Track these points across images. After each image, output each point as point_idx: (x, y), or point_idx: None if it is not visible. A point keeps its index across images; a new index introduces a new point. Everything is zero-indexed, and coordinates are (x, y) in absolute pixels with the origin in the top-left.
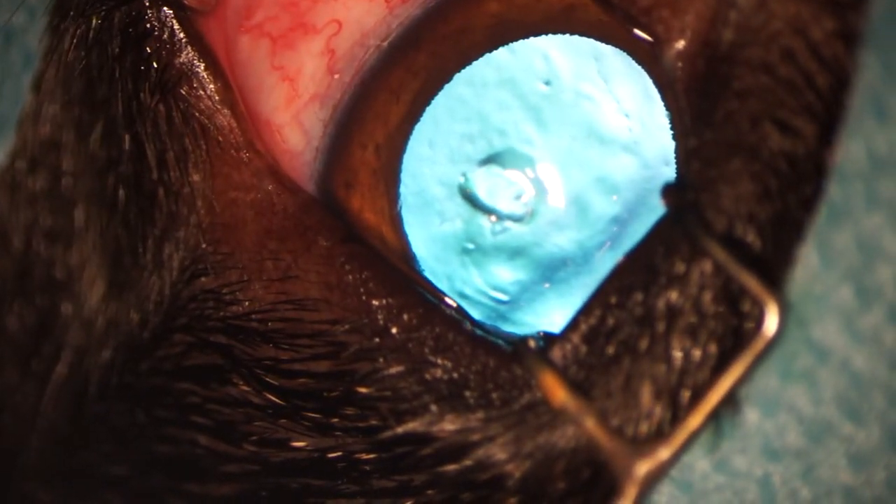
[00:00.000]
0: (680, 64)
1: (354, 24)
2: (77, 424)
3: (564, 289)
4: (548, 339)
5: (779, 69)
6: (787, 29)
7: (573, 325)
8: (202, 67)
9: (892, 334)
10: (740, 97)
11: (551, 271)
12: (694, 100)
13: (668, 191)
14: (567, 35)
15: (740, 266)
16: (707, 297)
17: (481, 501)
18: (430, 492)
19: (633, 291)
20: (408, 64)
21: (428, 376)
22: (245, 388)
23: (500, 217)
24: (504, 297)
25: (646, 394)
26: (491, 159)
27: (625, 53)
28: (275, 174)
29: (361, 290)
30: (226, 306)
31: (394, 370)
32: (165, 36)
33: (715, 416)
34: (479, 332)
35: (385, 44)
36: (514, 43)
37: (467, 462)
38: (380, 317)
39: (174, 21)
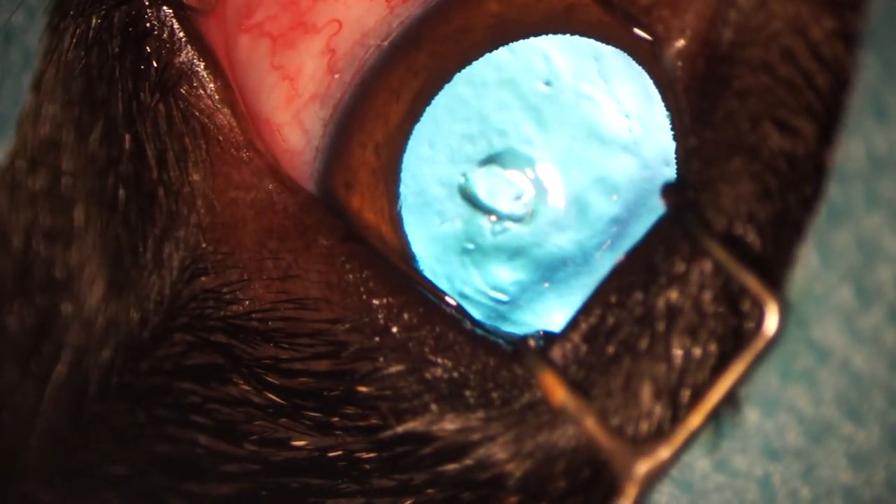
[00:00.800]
0: (680, 63)
1: (355, 23)
2: (77, 424)
3: (564, 289)
4: (548, 338)
5: (779, 69)
6: (787, 29)
7: (573, 324)
8: (202, 67)
9: (892, 334)
10: (740, 97)
11: (551, 271)
12: (694, 99)
13: (668, 190)
14: (567, 35)
15: (740, 265)
16: (707, 296)
17: (482, 501)
18: (430, 491)
19: (633, 291)
20: (408, 63)
21: (428, 375)
22: (245, 387)
23: (500, 217)
24: (504, 298)
25: (646, 393)
26: (491, 159)
27: (625, 54)
28: (275, 173)
29: (362, 289)
30: (226, 305)
31: (394, 369)
32: (165, 35)
33: (715, 416)
34: (479, 331)
35: (385, 43)
36: (515, 43)
37: (467, 461)
38: (380, 316)
39: (174, 20)
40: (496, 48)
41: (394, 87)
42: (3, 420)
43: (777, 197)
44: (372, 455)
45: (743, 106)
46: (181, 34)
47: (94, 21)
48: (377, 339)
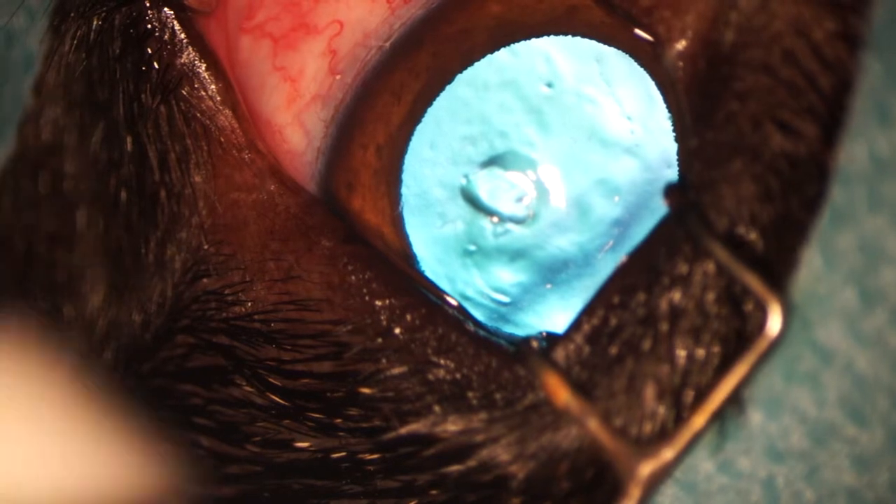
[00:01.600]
0: (681, 64)
1: (356, 24)
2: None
3: (566, 290)
4: (551, 339)
5: (780, 70)
6: (789, 30)
7: (576, 325)
8: (203, 68)
9: None
10: (741, 98)
11: (553, 273)
12: (695, 100)
13: (670, 191)
14: (569, 36)
15: (743, 266)
16: (710, 297)
17: (485, 502)
18: (433, 492)
19: (636, 291)
20: (409, 65)
21: (431, 377)
22: (248, 388)
23: (502, 219)
24: (505, 299)
25: (649, 394)
26: (492, 161)
27: (627, 56)
28: (277, 175)
29: (364, 290)
30: (228, 307)
31: (396, 371)
32: (166, 37)
33: (719, 418)
34: (481, 332)
35: (387, 44)
36: (516, 45)
37: (471, 463)
38: (382, 317)
39: (175, 22)
40: (497, 49)
41: (395, 88)
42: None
43: (779, 199)
44: (375, 456)
45: (744, 107)
46: (182, 35)
47: (94, 23)
48: (379, 340)
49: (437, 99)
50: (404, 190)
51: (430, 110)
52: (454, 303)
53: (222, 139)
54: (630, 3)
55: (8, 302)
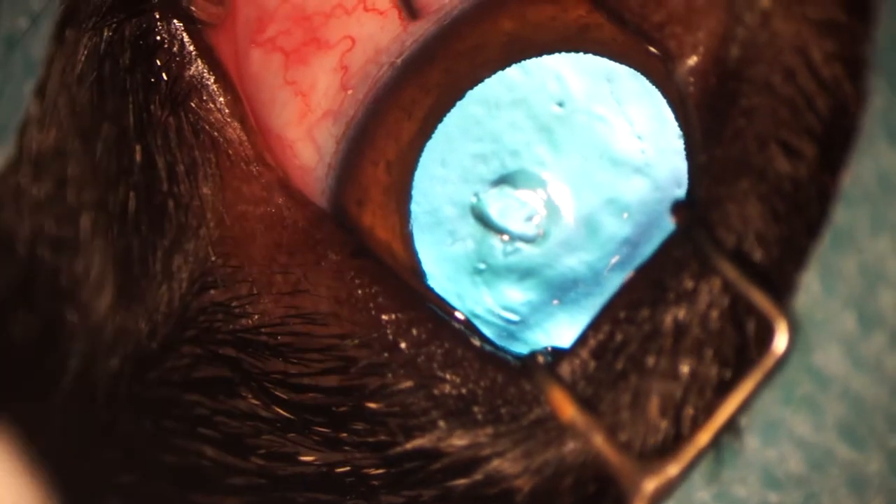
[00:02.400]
0: (692, 80)
1: (368, 40)
2: (83, 432)
3: (575, 309)
4: (556, 353)
5: (782, 89)
6: (789, 48)
7: (582, 339)
8: (212, 80)
9: (894, 361)
10: (747, 115)
11: (562, 291)
12: (705, 116)
13: (678, 207)
14: (581, 54)
15: (749, 283)
16: (715, 314)
17: None
18: None
19: (642, 307)
20: (421, 81)
21: (437, 392)
22: (253, 401)
23: (512, 237)
24: (514, 318)
25: (654, 410)
26: (503, 180)
27: (639, 74)
28: (285, 188)
29: (371, 304)
30: (235, 319)
31: (403, 385)
32: (175, 49)
33: (716, 444)
34: (487, 347)
35: (399, 61)
36: (528, 62)
37: (476, 477)
38: (389, 332)
39: (184, 34)
40: (509, 66)
41: (406, 104)
42: (10, 426)
43: (784, 219)
44: (380, 471)
45: (750, 125)
46: (191, 48)
47: (105, 34)
48: (386, 354)
49: (449, 116)
50: (415, 207)
51: (441, 128)
52: (461, 317)
53: (230, 151)
54: (641, 19)
55: (11, 308)
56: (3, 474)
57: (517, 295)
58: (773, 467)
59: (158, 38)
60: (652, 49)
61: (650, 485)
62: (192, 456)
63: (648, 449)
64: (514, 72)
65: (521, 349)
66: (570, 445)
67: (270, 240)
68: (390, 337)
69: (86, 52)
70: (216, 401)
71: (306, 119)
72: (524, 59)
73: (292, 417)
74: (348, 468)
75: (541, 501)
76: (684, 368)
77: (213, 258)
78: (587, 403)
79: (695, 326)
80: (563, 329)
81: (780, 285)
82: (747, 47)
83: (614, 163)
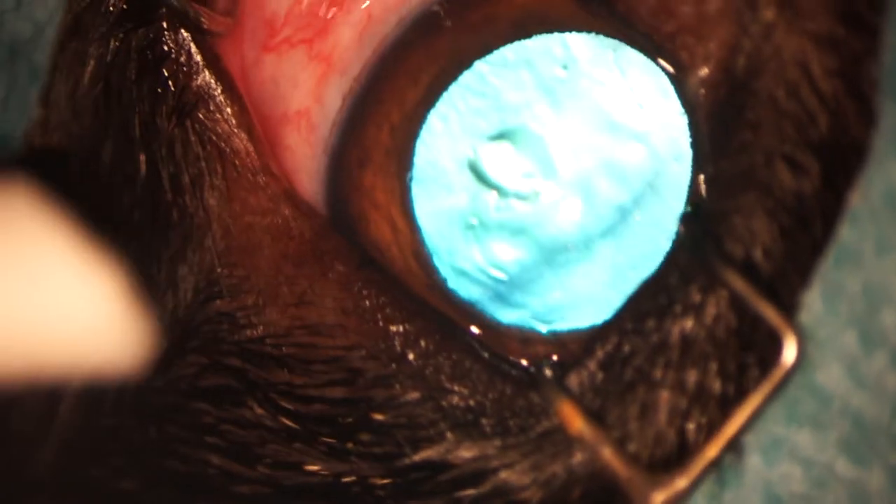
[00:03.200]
0: (703, 91)
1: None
2: (89, 438)
3: (563, 273)
4: (564, 365)
5: (785, 103)
6: (792, 62)
7: (590, 351)
8: (219, 91)
9: (895, 380)
10: (754, 129)
11: (552, 253)
12: (713, 127)
13: (685, 219)
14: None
15: (758, 295)
16: (722, 327)
17: None
18: None
19: (649, 318)
20: (428, 49)
21: (444, 403)
22: (259, 411)
23: (506, 194)
24: (503, 277)
25: (662, 422)
26: (502, 136)
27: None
28: (291, 199)
29: (378, 315)
30: (240, 330)
31: (410, 397)
32: (183, 59)
33: (723, 458)
34: (495, 359)
35: (408, 17)
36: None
37: (484, 489)
38: (397, 343)
39: (191, 44)
40: (519, 40)
41: (412, 70)
42: (14, 433)
43: (790, 235)
44: (387, 481)
45: (756, 138)
46: (198, 58)
47: (112, 44)
48: (393, 365)
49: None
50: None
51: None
52: (473, 329)
53: (237, 162)
54: (653, 30)
55: None
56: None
57: (507, 253)
58: (776, 486)
59: (166, 48)
60: (663, 63)
61: (659, 497)
62: (198, 464)
63: (657, 461)
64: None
65: (508, 311)
66: (579, 457)
67: (277, 251)
68: (398, 348)
69: (92, 63)
70: (222, 409)
71: (321, 79)
72: (534, 34)
73: (298, 427)
74: (354, 478)
75: None
76: (693, 381)
77: (218, 269)
78: (595, 415)
79: (702, 339)
80: (549, 291)
81: (786, 299)
82: (753, 59)
83: (613, 128)
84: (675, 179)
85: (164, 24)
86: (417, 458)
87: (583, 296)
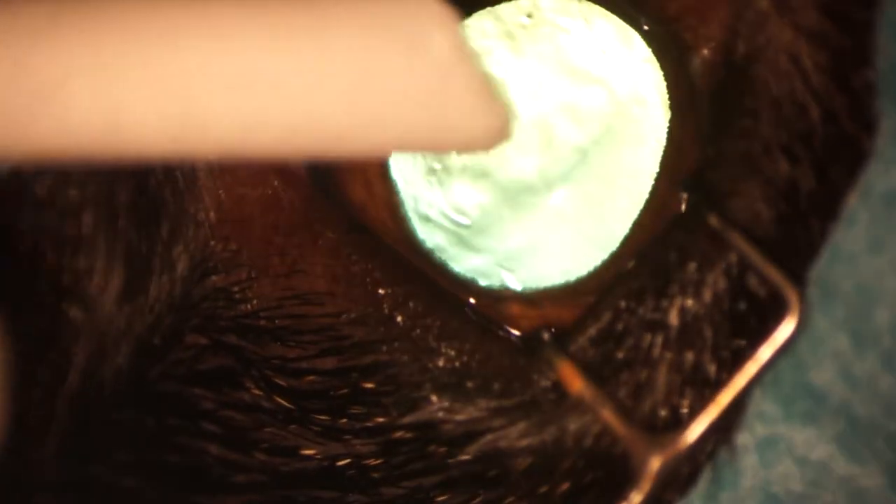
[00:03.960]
0: (705, 72)
1: None
2: (89, 434)
3: (525, 216)
4: (560, 337)
5: (778, 92)
6: (784, 53)
7: (581, 328)
8: None
9: (887, 379)
10: (753, 116)
11: (513, 196)
12: (715, 110)
13: (688, 187)
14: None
15: (761, 257)
16: (719, 304)
17: (490, 491)
18: (439, 499)
19: (643, 296)
20: None
21: (431, 365)
22: (256, 391)
23: None
24: (466, 221)
25: (657, 401)
26: None
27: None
28: (280, 170)
29: (367, 279)
30: (235, 305)
31: (399, 360)
32: None
33: (712, 463)
34: (484, 320)
35: None
36: None
37: (476, 456)
38: (385, 306)
39: None
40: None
41: None
42: (13, 432)
43: (787, 225)
44: (380, 461)
45: (756, 126)
46: None
47: None
48: (382, 329)
49: None
50: None
51: None
52: (458, 292)
53: None
54: (658, 10)
55: (14, 307)
56: None
57: (469, 197)
58: (771, 486)
59: None
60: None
61: (660, 457)
62: (196, 454)
63: (657, 423)
64: None
65: (471, 256)
66: (572, 425)
67: (267, 222)
68: (386, 311)
69: None
70: (220, 393)
71: None
72: None
73: (292, 407)
74: (349, 460)
75: (543, 477)
76: (688, 358)
77: (212, 243)
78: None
79: (698, 316)
80: (511, 235)
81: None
82: (750, 46)
83: (574, 71)
84: (636, 123)
85: None
86: (406, 421)
87: (547, 243)
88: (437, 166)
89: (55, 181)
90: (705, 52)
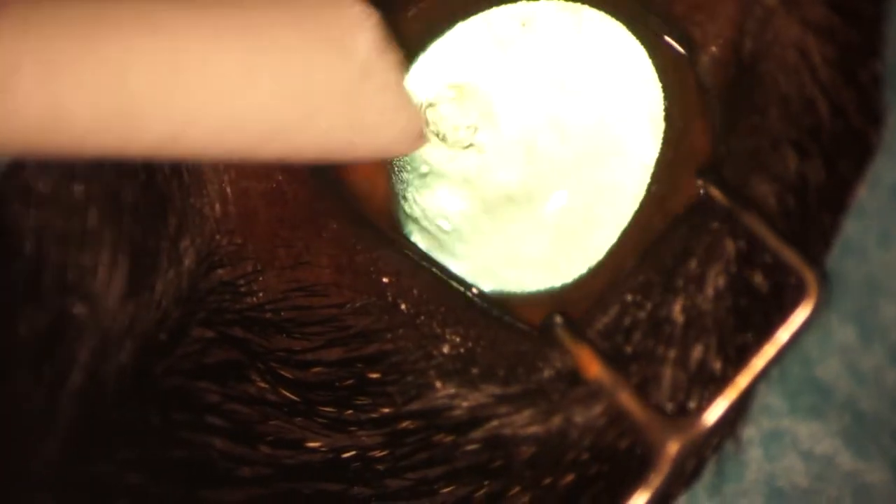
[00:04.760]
0: (714, 70)
1: None
2: (93, 431)
3: (505, 227)
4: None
5: (787, 88)
6: (792, 48)
7: (588, 321)
8: None
9: (893, 373)
10: (761, 113)
11: (494, 206)
12: (725, 108)
13: (703, 172)
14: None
15: (779, 238)
16: (723, 298)
17: (494, 498)
18: (444, 490)
19: (649, 290)
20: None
21: (436, 352)
22: (262, 384)
23: (455, 144)
24: (447, 227)
25: (662, 396)
26: (453, 87)
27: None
28: (284, 166)
29: (371, 268)
30: (241, 298)
31: (403, 347)
32: None
33: (717, 455)
34: (488, 306)
35: None
36: None
37: (481, 444)
38: (389, 294)
39: None
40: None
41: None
42: (16, 428)
43: (797, 220)
44: (385, 453)
45: (764, 122)
46: None
47: None
48: (386, 317)
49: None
50: None
51: None
52: (463, 280)
53: None
54: (666, 9)
55: (19, 304)
56: None
57: (451, 202)
58: (776, 479)
59: None
60: (672, 43)
61: (678, 440)
62: (201, 449)
63: (674, 409)
64: None
65: (453, 262)
66: (578, 415)
67: (272, 215)
68: (390, 299)
69: None
70: (226, 386)
71: None
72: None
73: (298, 399)
74: (354, 452)
75: (548, 464)
76: (693, 356)
77: (217, 237)
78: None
79: (703, 311)
80: (490, 245)
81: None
82: (758, 42)
83: (563, 84)
84: (622, 139)
85: None
86: (412, 409)
87: (526, 254)
88: (425, 170)
89: (60, 177)
90: (714, 49)
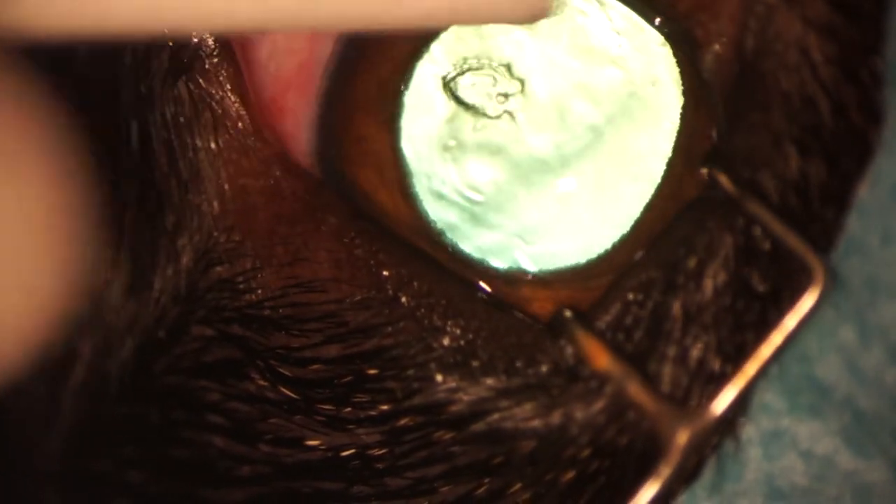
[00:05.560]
0: (717, 68)
1: None
2: (94, 429)
3: (539, 193)
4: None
5: (788, 86)
6: (794, 46)
7: (589, 320)
8: (214, 52)
9: (894, 372)
10: (763, 110)
11: (528, 173)
12: (729, 105)
13: (708, 161)
14: None
15: (784, 227)
16: (724, 294)
17: (495, 495)
18: (444, 489)
19: (651, 287)
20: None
21: (436, 344)
22: (261, 382)
23: (483, 114)
24: (479, 198)
25: (672, 372)
26: (478, 57)
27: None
28: (283, 162)
29: (371, 262)
30: (240, 295)
31: (403, 340)
32: None
33: (717, 454)
34: (490, 297)
35: None
36: None
37: (482, 440)
38: (389, 287)
39: None
40: None
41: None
42: (17, 426)
43: (798, 218)
44: (384, 451)
45: (766, 119)
46: None
47: None
48: (386, 311)
49: None
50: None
51: None
52: (463, 271)
53: (229, 124)
54: (669, 6)
55: None
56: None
57: (483, 173)
58: (776, 478)
59: None
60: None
61: (688, 430)
62: (201, 447)
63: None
64: None
65: (484, 232)
66: (580, 410)
67: (270, 211)
68: (390, 292)
69: None
70: (225, 385)
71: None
72: None
73: (297, 397)
74: (353, 450)
75: (549, 458)
76: (695, 352)
77: (215, 234)
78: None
79: (704, 307)
80: (526, 212)
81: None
82: (759, 40)
83: (589, 52)
84: (651, 105)
85: None
86: (411, 403)
87: (560, 221)
88: (452, 143)
89: None
90: (717, 47)
